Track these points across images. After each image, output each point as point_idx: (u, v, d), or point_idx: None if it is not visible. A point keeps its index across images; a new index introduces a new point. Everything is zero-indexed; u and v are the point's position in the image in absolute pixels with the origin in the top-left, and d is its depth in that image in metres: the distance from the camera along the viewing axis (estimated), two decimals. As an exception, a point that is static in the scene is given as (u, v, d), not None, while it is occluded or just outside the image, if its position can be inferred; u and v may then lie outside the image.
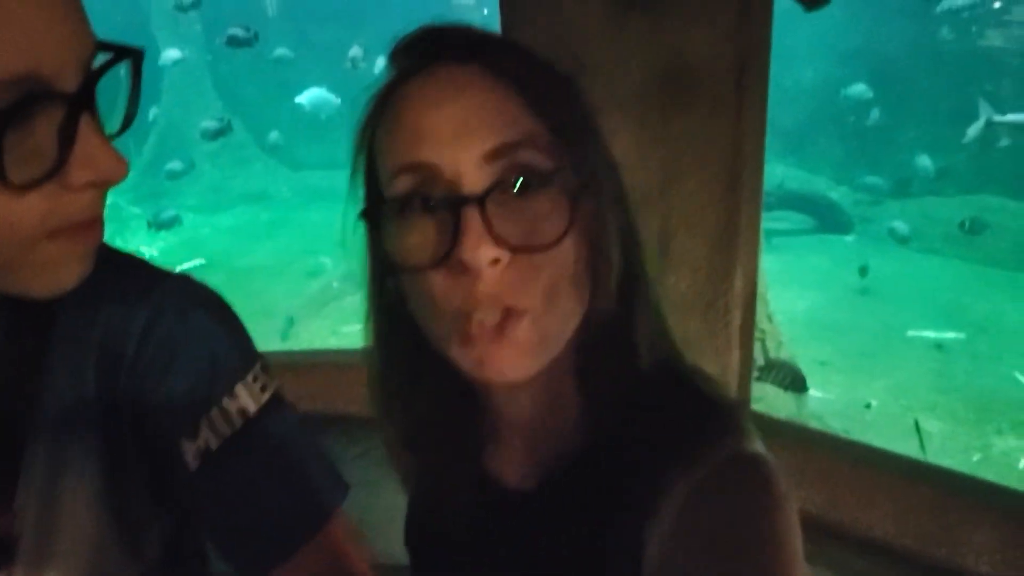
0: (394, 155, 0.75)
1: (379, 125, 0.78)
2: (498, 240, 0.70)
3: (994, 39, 11.61)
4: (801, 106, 12.58)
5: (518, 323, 0.72)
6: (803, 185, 11.91)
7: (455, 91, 0.73)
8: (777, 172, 11.10)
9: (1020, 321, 8.58)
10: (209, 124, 11.14)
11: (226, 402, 0.87)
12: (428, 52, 0.77)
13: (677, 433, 0.76)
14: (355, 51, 11.93)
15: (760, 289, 2.57)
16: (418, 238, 0.73)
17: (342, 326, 8.88)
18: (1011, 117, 7.94)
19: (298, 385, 4.54)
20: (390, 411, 0.90)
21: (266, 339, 8.07)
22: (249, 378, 0.89)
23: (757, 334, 4.81)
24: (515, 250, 0.70)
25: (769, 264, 6.36)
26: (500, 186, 0.71)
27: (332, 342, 8.41)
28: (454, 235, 0.70)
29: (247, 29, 10.17)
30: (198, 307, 0.90)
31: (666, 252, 3.54)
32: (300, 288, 9.77)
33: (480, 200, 0.70)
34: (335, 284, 9.77)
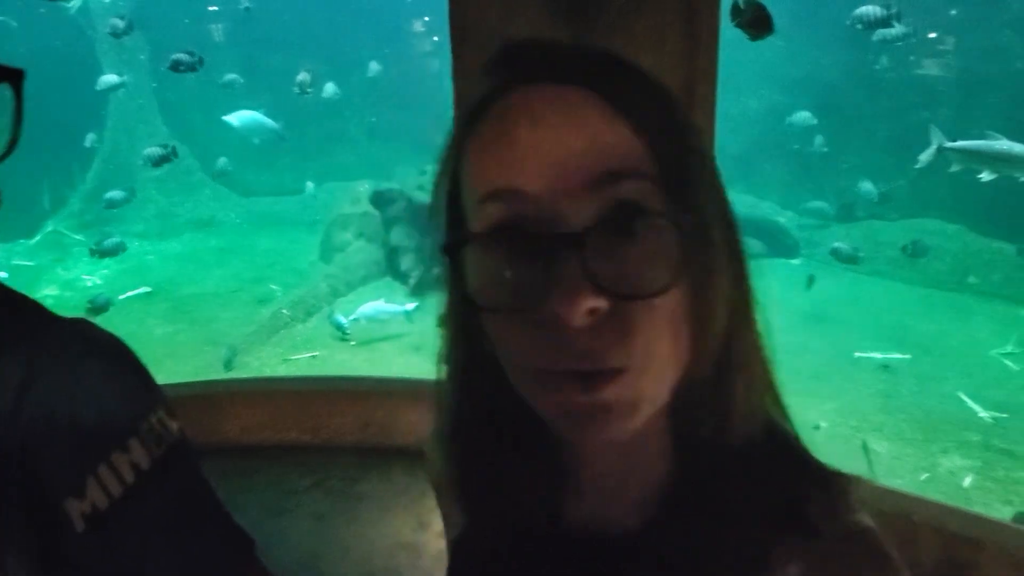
0: (483, 178, 0.65)
1: (469, 142, 0.68)
2: (597, 287, 0.60)
3: (930, 68, 11.98)
4: (748, 133, 12.83)
5: (611, 383, 0.62)
6: (751, 210, 12.11)
7: (558, 110, 0.63)
8: (725, 197, 11.21)
9: (962, 341, 8.79)
10: (153, 150, 10.95)
11: (116, 457, 0.79)
12: (534, 66, 0.67)
13: (785, 503, 0.69)
14: (303, 76, 11.88)
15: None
16: (505, 280, 0.64)
17: (292, 354, 8.75)
18: (960, 144, 8.18)
19: (250, 414, 4.45)
20: (457, 450, 0.81)
21: (210, 369, 7.95)
22: (144, 429, 0.81)
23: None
24: (616, 298, 0.61)
25: (719, 288, 6.39)
26: (603, 223, 0.61)
27: (282, 370, 8.28)
28: (547, 282, 0.60)
29: (191, 54, 10.05)
30: (87, 355, 0.82)
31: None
32: (249, 316, 9.61)
33: (579, 239, 0.60)
34: (285, 312, 9.64)
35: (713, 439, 0.70)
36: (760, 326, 0.72)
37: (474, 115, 0.68)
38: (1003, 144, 8.03)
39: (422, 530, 3.56)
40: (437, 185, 0.73)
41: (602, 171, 0.61)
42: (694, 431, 0.71)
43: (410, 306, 9.16)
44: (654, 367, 0.64)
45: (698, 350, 0.67)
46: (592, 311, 0.60)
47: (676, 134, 0.66)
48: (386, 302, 9.42)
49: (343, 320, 9.13)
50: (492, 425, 0.77)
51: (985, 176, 7.99)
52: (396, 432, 4.23)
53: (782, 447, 0.74)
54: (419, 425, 4.22)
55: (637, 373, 0.63)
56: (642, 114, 0.64)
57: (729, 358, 0.69)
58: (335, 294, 10.35)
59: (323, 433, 4.30)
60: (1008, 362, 8.23)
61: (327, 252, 11.50)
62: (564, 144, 0.62)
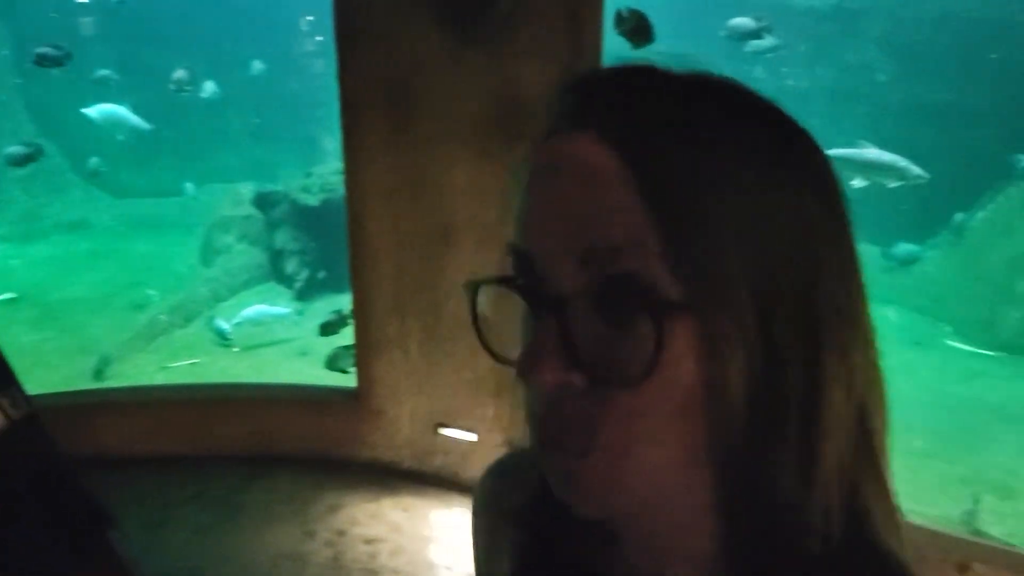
0: (511, 230, 0.62)
1: (520, 183, 0.63)
2: (574, 361, 0.55)
3: (801, 80, 12.56)
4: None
5: (587, 460, 0.57)
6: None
7: (561, 165, 0.58)
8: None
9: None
10: (15, 149, 10.34)
11: None
12: (576, 107, 0.60)
13: None
14: (180, 74, 11.47)
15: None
16: (505, 329, 0.63)
17: (170, 361, 8.44)
18: (834, 152, 8.63)
19: (125, 425, 4.28)
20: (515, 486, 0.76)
21: (81, 379, 7.56)
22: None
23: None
24: (593, 379, 0.56)
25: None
26: (591, 296, 0.55)
27: (160, 379, 7.96)
28: (530, 343, 0.57)
29: (58, 47, 9.55)
30: None
31: (506, 281, 3.61)
32: (124, 323, 9.19)
33: (559, 306, 0.56)
34: (163, 317, 9.29)
35: (769, 539, 0.61)
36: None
37: (531, 153, 0.62)
38: (873, 152, 8.51)
39: (307, 539, 3.54)
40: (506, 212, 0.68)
41: (591, 242, 0.55)
42: (743, 528, 0.63)
43: (297, 308, 8.96)
44: (641, 454, 0.57)
45: (713, 435, 0.58)
46: (563, 386, 0.56)
47: (688, 202, 0.55)
48: (270, 305, 9.19)
49: (225, 325, 8.85)
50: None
51: (856, 183, 8.45)
52: (281, 440, 4.12)
53: (866, 548, 0.63)
54: (306, 432, 4.09)
55: (617, 457, 0.57)
56: (651, 166, 0.55)
57: (769, 442, 0.59)
58: (216, 299, 10.03)
59: (204, 443, 4.14)
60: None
61: (208, 255, 11.13)
62: (560, 206, 0.57)
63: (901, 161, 8.40)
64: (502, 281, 0.61)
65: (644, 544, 0.68)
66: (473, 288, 0.62)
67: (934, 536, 2.97)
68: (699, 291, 0.54)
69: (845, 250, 0.60)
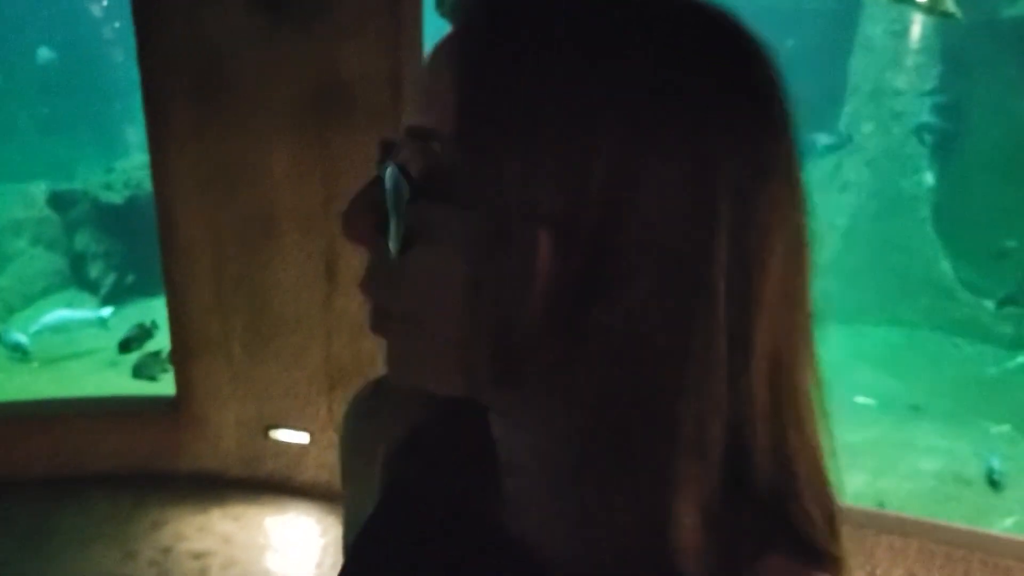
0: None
1: None
2: (377, 225, 0.58)
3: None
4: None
5: (384, 325, 0.61)
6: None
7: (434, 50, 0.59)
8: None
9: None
10: None
11: None
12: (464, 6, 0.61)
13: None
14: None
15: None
16: None
17: (-40, 381, 7.66)
18: None
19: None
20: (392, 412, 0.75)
21: None
22: None
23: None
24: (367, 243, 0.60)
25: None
26: (404, 167, 0.56)
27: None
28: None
29: None
30: None
31: (333, 273, 3.51)
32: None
33: (378, 172, 0.58)
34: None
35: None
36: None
37: None
38: None
39: (129, 560, 3.38)
40: None
41: (412, 122, 0.57)
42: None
43: (105, 312, 8.36)
44: (434, 325, 0.57)
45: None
46: (372, 246, 0.59)
47: (499, 84, 0.53)
48: (73, 310, 8.53)
49: (21, 337, 8.09)
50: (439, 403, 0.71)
51: None
52: (93, 458, 3.85)
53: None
54: (121, 447, 3.88)
55: (412, 325, 0.59)
56: (466, 58, 0.54)
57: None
58: (8, 310, 9.23)
59: (3, 467, 3.82)
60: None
61: (-3, 263, 10.23)
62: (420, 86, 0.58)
63: None
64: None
65: (538, 476, 0.64)
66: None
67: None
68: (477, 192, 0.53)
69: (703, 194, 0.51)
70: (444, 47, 0.56)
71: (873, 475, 5.95)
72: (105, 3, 14.09)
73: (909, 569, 2.92)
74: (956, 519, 4.30)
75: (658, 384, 0.52)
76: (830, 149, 9.96)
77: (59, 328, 8.15)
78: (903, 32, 9.41)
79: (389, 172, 0.56)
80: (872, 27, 9.63)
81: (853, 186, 9.65)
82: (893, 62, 9.52)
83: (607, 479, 0.56)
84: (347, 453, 0.85)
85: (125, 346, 7.02)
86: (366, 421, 0.82)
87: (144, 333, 7.01)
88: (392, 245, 0.57)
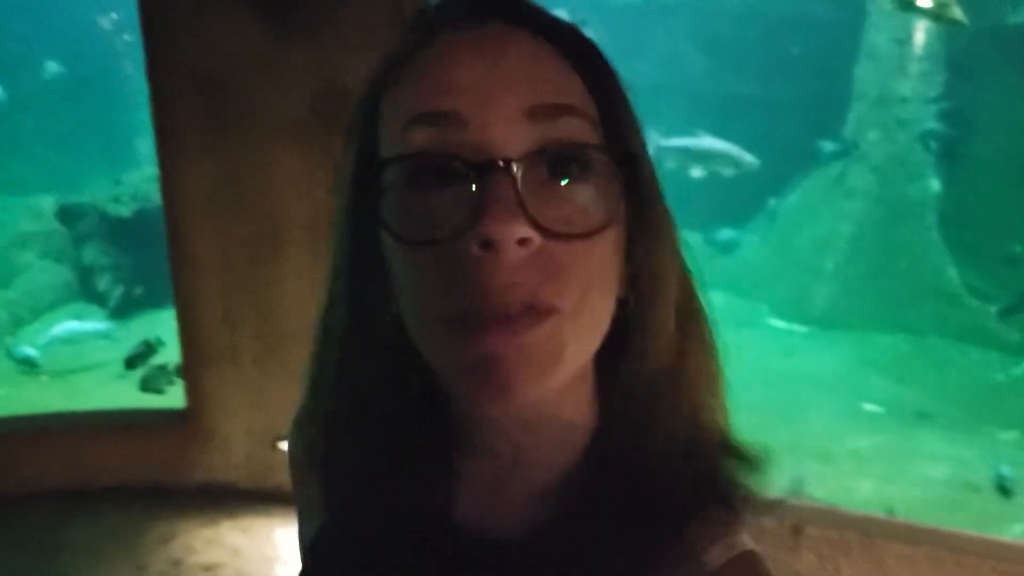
0: (408, 105, 0.60)
1: (391, 86, 0.63)
2: (531, 218, 0.55)
3: (623, 72, 13.00)
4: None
5: (539, 324, 0.57)
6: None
7: (499, 44, 0.60)
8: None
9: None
10: None
11: None
12: (469, 10, 0.63)
13: (674, 521, 0.67)
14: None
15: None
16: (429, 207, 0.58)
17: (-30, 394, 7.67)
18: (676, 141, 8.96)
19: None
20: (332, 429, 0.73)
21: None
22: None
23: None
24: (548, 234, 0.56)
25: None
26: (540, 154, 0.58)
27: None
28: (478, 205, 0.55)
29: None
30: None
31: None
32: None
33: (514, 166, 0.56)
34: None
35: (635, 441, 0.67)
36: (707, 315, 0.70)
37: (399, 59, 0.63)
38: (708, 141, 8.95)
39: (139, 573, 3.37)
40: (349, 136, 0.67)
41: (542, 102, 0.59)
42: (615, 429, 0.67)
43: (112, 325, 8.37)
44: (586, 314, 0.60)
45: (639, 302, 0.65)
46: (523, 241, 0.56)
47: (608, 76, 0.65)
48: (82, 321, 8.53)
49: (31, 350, 8.11)
50: (378, 399, 0.69)
51: (696, 171, 8.84)
52: (104, 471, 3.86)
53: (695, 457, 0.69)
54: (131, 460, 3.90)
55: (569, 318, 0.58)
56: (577, 51, 0.63)
57: (682, 341, 0.67)
58: (18, 323, 9.24)
59: (13, 480, 3.83)
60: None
61: (5, 276, 10.21)
62: (504, 70, 0.59)
63: (734, 149, 8.85)
64: (425, 155, 0.59)
65: (491, 480, 0.69)
66: (375, 176, 0.61)
67: (767, 504, 3.12)
68: (628, 155, 0.62)
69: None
70: (527, 47, 0.61)
71: (881, 482, 5.92)
72: (114, 16, 14.16)
73: (919, 576, 2.91)
74: (965, 526, 4.28)
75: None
76: (835, 156, 9.94)
77: (68, 340, 8.16)
78: (907, 39, 9.37)
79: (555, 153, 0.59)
80: (876, 35, 9.60)
81: (859, 193, 9.61)
82: (898, 69, 9.49)
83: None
84: (295, 463, 0.88)
85: (130, 363, 7.01)
86: (306, 442, 0.83)
87: (149, 349, 7.02)
88: (586, 224, 0.59)
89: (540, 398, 0.60)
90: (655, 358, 0.66)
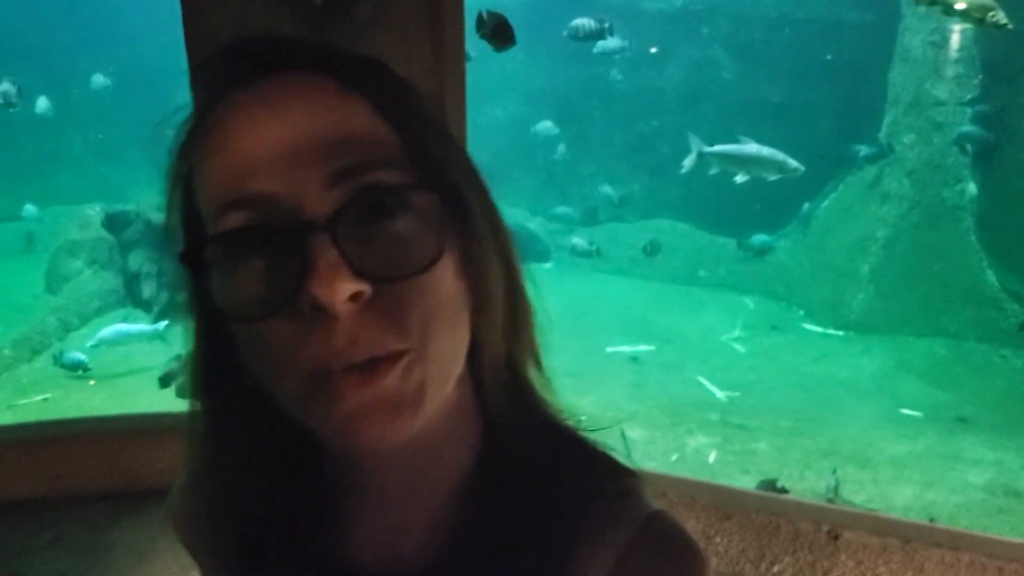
0: (218, 188, 0.60)
1: (197, 150, 0.62)
2: (356, 271, 0.56)
3: (653, 79, 12.99)
4: (496, 143, 13.25)
5: (390, 371, 0.58)
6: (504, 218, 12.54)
7: (290, 103, 0.60)
8: (476, 206, 11.55)
9: (698, 330, 9.63)
10: None
11: None
12: (262, 60, 0.63)
13: (579, 495, 0.70)
14: (6, 87, 10.71)
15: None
16: (255, 281, 0.59)
17: (17, 399, 7.87)
18: (718, 148, 8.89)
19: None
20: (212, 492, 0.75)
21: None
22: None
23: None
24: (378, 281, 0.57)
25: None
26: (350, 210, 0.58)
27: (7, 418, 7.42)
28: (301, 269, 0.56)
29: None
30: None
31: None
32: (-36, 359, 8.52)
33: (330, 225, 0.57)
34: (6, 352, 8.66)
35: (521, 420, 0.71)
36: (533, 306, 0.73)
37: (199, 122, 0.63)
38: (753, 147, 8.84)
39: (183, 573, 3.46)
40: (168, 206, 0.66)
41: (345, 164, 0.59)
42: (501, 415, 0.71)
43: (161, 325, 8.49)
44: (434, 347, 0.61)
45: (483, 324, 0.67)
46: (355, 296, 0.57)
47: (418, 116, 0.66)
48: (130, 324, 8.68)
49: (80, 355, 8.29)
50: (253, 459, 0.71)
51: (739, 177, 8.76)
52: (147, 473, 3.92)
53: (562, 432, 0.74)
54: (176, 462, 3.95)
55: (418, 355, 0.60)
56: (384, 98, 0.63)
57: (516, 331, 0.71)
58: (66, 328, 9.44)
59: (61, 482, 3.89)
60: (736, 346, 9.11)
61: (54, 283, 10.45)
62: (299, 139, 0.59)
63: (779, 155, 8.74)
64: (236, 234, 0.59)
65: (382, 521, 0.70)
66: (198, 254, 0.61)
67: (806, 508, 3.11)
68: (445, 186, 0.63)
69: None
70: (326, 102, 0.61)
71: (921, 488, 5.86)
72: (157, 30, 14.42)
73: (956, 583, 2.89)
74: (1007, 532, 4.23)
75: None
76: (871, 160, 9.84)
77: (116, 341, 8.31)
78: (942, 42, 9.26)
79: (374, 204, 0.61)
80: (911, 38, 9.51)
81: (894, 197, 9.51)
82: (933, 72, 9.38)
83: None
84: (178, 530, 0.86)
85: (164, 381, 7.01)
86: (192, 515, 0.82)
87: (182, 366, 7.05)
88: (414, 263, 0.59)
89: (418, 429, 0.62)
90: (495, 358, 0.69)
